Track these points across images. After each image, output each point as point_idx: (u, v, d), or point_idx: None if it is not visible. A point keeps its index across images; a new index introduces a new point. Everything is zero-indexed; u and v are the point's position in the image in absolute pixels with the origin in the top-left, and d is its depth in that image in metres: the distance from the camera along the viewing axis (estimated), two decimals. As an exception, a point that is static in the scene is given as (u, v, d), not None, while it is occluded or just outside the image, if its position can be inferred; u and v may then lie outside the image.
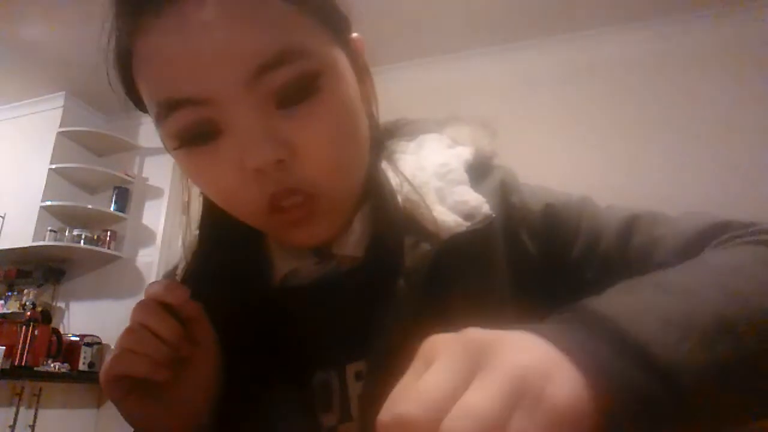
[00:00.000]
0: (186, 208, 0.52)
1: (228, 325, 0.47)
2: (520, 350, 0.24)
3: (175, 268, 0.55)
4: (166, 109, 0.39)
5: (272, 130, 0.38)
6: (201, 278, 0.47)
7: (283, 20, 0.38)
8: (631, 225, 0.45)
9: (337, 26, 0.43)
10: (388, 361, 0.37)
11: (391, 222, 0.46)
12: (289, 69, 0.38)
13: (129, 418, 0.44)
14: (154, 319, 0.42)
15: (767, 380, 0.28)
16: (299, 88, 0.38)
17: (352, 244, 0.47)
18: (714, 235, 0.41)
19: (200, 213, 0.51)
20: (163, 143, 0.43)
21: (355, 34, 0.46)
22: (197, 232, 0.53)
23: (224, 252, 0.50)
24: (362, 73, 0.47)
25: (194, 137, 0.40)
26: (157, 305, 0.43)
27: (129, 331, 0.42)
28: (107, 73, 0.43)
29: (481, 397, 0.21)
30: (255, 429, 0.44)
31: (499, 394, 0.21)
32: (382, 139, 0.51)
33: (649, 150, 2.42)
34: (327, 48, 0.41)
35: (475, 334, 0.25)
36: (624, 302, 0.29)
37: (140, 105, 0.44)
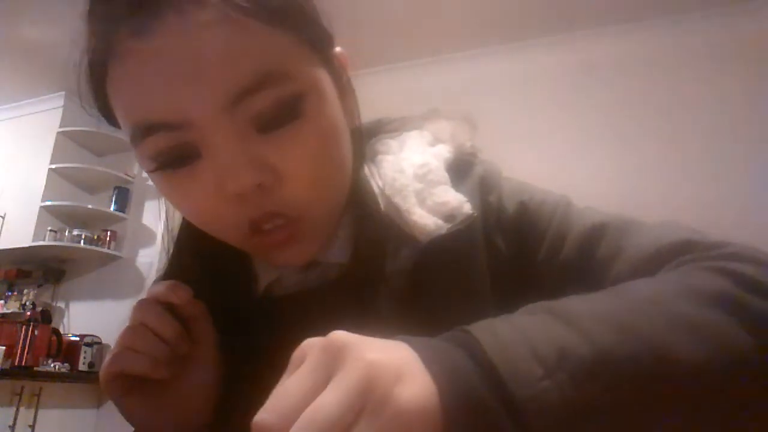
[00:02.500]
0: (166, 224, 0.51)
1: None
2: (377, 350, 0.25)
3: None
4: (142, 133, 0.38)
5: (253, 154, 0.37)
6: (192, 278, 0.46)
7: (264, 43, 0.37)
8: (596, 233, 0.43)
9: (319, 44, 0.42)
10: None
11: (374, 228, 0.46)
12: (270, 93, 0.37)
13: (128, 417, 0.44)
14: (154, 318, 0.42)
15: (654, 426, 0.27)
16: (281, 112, 0.38)
17: (337, 251, 0.47)
18: (676, 254, 0.38)
19: (179, 222, 0.51)
20: (140, 164, 0.42)
21: (338, 49, 0.45)
22: (176, 240, 0.53)
23: (204, 261, 0.49)
24: (345, 88, 0.46)
25: (171, 160, 0.39)
26: (157, 304, 0.43)
27: (129, 330, 0.42)
28: (78, 91, 0.41)
29: (330, 400, 0.22)
30: None
31: (347, 395, 0.22)
32: (364, 149, 0.51)
33: (648, 150, 2.42)
34: (309, 68, 0.40)
35: (337, 336, 0.25)
36: (504, 325, 0.28)
37: (115, 122, 0.42)
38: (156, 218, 3.37)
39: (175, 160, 0.39)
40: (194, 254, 0.50)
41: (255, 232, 0.40)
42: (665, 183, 2.34)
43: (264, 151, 0.38)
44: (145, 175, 3.46)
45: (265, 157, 0.38)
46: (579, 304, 0.31)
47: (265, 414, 0.23)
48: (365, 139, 0.52)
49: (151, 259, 3.29)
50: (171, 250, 0.53)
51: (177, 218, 0.51)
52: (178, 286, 0.44)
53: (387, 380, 0.23)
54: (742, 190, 2.23)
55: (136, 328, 0.42)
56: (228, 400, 0.46)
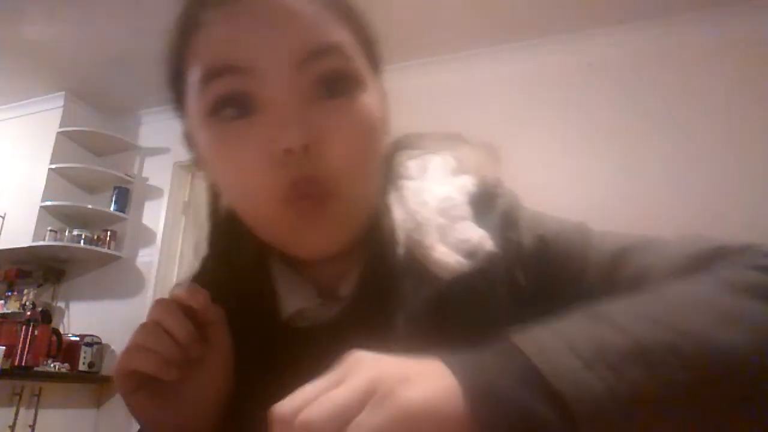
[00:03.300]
0: (210, 211, 0.52)
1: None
2: (387, 361, 0.28)
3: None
4: (212, 74, 0.41)
5: (306, 116, 0.40)
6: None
7: (340, 28, 0.43)
8: (619, 258, 0.44)
9: (377, 68, 0.48)
10: None
11: (393, 263, 0.46)
12: (334, 60, 0.42)
13: (135, 414, 0.44)
14: (169, 318, 0.42)
15: (697, 409, 0.28)
16: (337, 84, 0.42)
17: (355, 284, 0.47)
18: (707, 260, 0.39)
19: (208, 245, 0.52)
20: (194, 117, 0.44)
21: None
22: (202, 260, 0.53)
23: (232, 286, 0.49)
24: (386, 116, 0.49)
25: (230, 107, 0.41)
26: (175, 305, 0.43)
27: (144, 327, 0.43)
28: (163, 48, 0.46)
29: (337, 392, 0.26)
30: None
31: (353, 391, 0.26)
32: (389, 171, 0.52)
33: (648, 151, 2.42)
34: (365, 68, 0.45)
35: (355, 352, 0.30)
36: (541, 330, 0.30)
37: (178, 86, 0.46)
38: (156, 218, 3.38)
39: (233, 108, 0.42)
40: (220, 279, 0.50)
41: (289, 200, 0.41)
42: (670, 183, 2.34)
43: (316, 115, 0.41)
44: (144, 175, 3.49)
45: (316, 120, 0.41)
46: (611, 304, 0.32)
47: (281, 404, 0.27)
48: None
49: (150, 258, 3.29)
50: (199, 267, 0.53)
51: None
52: (198, 290, 0.44)
53: (391, 381, 0.26)
54: (750, 190, 2.22)
55: (151, 326, 0.42)
56: (238, 420, 0.45)
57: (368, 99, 0.43)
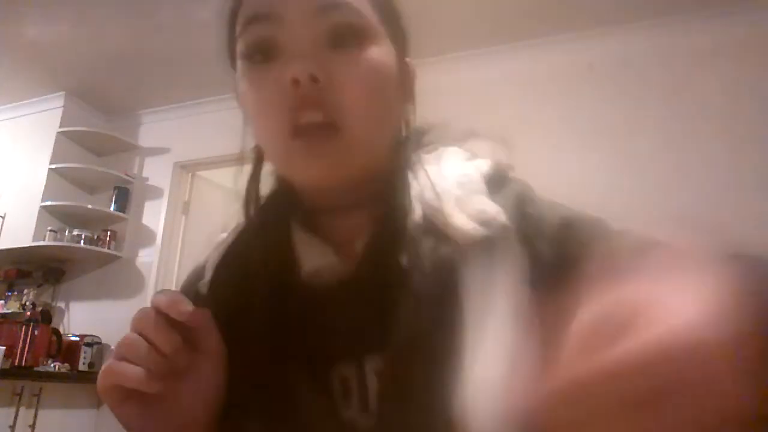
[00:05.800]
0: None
1: (253, 311, 0.47)
2: None
3: (203, 267, 0.55)
4: (247, 22, 0.48)
5: (318, 56, 0.45)
6: (236, 265, 0.52)
7: None
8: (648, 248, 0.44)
9: (393, 24, 0.52)
10: (406, 357, 0.42)
11: (407, 220, 0.48)
12: (347, 13, 0.46)
13: (125, 426, 0.43)
14: (152, 330, 0.41)
15: None
16: (350, 35, 0.46)
17: (369, 240, 0.48)
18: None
19: (244, 212, 0.54)
20: (238, 60, 0.50)
21: (407, 59, 0.55)
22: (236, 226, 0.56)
23: (262, 240, 0.52)
24: (410, 90, 0.54)
25: (258, 51, 0.47)
26: (157, 315, 0.42)
27: (126, 340, 0.42)
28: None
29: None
30: (272, 419, 0.44)
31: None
32: (409, 151, 0.54)
33: (648, 151, 2.42)
34: (379, 26, 0.49)
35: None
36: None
37: (232, 34, 0.51)
38: (156, 218, 3.38)
39: (260, 52, 0.47)
40: (253, 234, 0.53)
41: (295, 136, 0.45)
42: (669, 182, 2.34)
43: (327, 59, 0.45)
44: (145, 175, 3.49)
45: (327, 62, 0.45)
46: None
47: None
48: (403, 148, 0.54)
49: (150, 259, 3.29)
50: (231, 238, 0.55)
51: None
52: (180, 300, 0.43)
53: None
54: (752, 190, 2.22)
55: (132, 338, 0.41)
56: (251, 380, 0.45)
57: (377, 51, 0.48)
